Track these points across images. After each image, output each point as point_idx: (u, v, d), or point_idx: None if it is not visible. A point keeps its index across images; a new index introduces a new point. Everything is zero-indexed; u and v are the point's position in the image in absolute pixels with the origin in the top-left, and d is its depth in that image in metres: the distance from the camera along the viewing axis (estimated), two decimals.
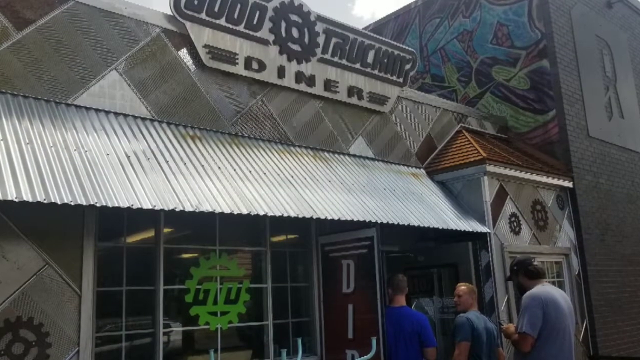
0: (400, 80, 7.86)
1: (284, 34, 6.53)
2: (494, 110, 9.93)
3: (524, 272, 4.66)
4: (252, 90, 6.28)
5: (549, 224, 8.27)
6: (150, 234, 5.28)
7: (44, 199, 3.76)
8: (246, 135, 6.13)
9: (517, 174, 7.82)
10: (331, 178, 6.28)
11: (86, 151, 4.52)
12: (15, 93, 4.67)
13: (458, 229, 6.67)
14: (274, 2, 6.43)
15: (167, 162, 4.94)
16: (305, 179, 5.94)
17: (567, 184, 8.74)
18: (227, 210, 4.66)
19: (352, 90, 7.20)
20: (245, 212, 4.78)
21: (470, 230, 6.84)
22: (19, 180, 3.82)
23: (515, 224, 7.64)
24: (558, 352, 4.33)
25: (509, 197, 7.69)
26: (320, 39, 6.90)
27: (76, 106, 4.98)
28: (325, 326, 6.12)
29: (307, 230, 6.41)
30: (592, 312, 8.51)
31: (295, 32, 6.66)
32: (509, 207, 7.65)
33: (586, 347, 8.37)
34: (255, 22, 6.26)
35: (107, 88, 5.20)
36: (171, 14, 5.71)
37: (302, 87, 6.67)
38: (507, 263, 6.96)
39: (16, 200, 3.65)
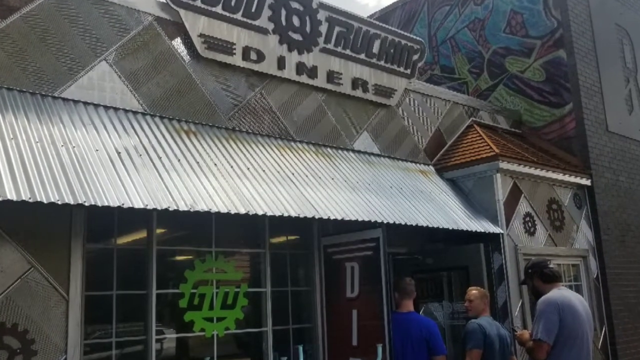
0: (408, 71, 7.83)
1: (284, 23, 6.50)
2: (507, 104, 9.90)
3: (539, 276, 4.65)
4: (250, 82, 6.26)
5: (566, 224, 8.24)
6: (142, 234, 5.27)
7: (29, 198, 3.75)
8: (244, 130, 6.11)
9: (532, 171, 7.79)
10: (334, 175, 6.26)
11: (74, 147, 4.50)
12: None
13: (469, 229, 6.65)
14: None
15: (160, 158, 4.92)
16: (306, 176, 5.92)
17: (585, 181, 8.71)
18: (223, 210, 4.64)
19: (356, 82, 7.17)
20: (243, 211, 4.76)
21: (482, 230, 6.82)
22: (2, 178, 3.81)
23: (529, 224, 7.61)
24: None
25: (523, 195, 7.67)
26: (323, 28, 6.87)
27: (63, 99, 4.96)
28: (328, 333, 6.11)
29: (309, 230, 6.39)
30: (611, 317, 8.49)
31: (296, 21, 6.63)
32: (523, 207, 7.62)
33: (605, 355, 8.35)
34: (253, 9, 6.24)
35: (97, 80, 5.18)
36: (164, 1, 5.69)
37: (304, 78, 6.65)
38: (521, 266, 6.94)
39: None
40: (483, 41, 10.37)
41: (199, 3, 5.82)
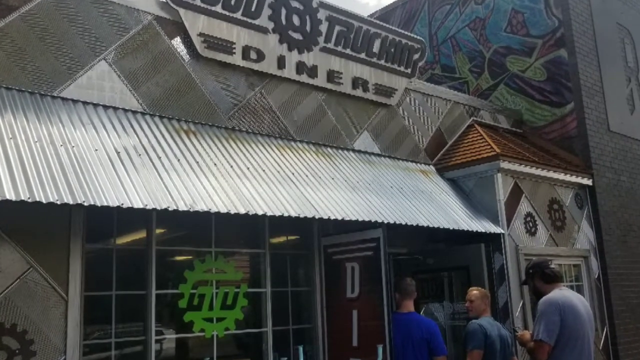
0: (408, 71, 7.83)
1: (284, 22, 6.50)
2: (508, 103, 9.90)
3: (540, 276, 4.65)
4: (250, 82, 6.26)
5: (567, 224, 8.24)
6: (141, 235, 5.27)
7: (28, 198, 3.75)
8: (244, 129, 6.11)
9: (533, 171, 7.79)
10: (334, 175, 6.26)
11: (73, 147, 4.50)
12: None
13: (470, 229, 6.65)
14: None
15: (159, 158, 4.92)
16: (306, 176, 5.92)
17: (586, 181, 8.71)
18: (223, 210, 4.64)
19: (356, 82, 7.17)
20: (242, 211, 4.76)
21: (483, 231, 6.82)
22: (1, 178, 3.81)
23: (530, 224, 7.61)
24: None
25: (524, 195, 7.66)
26: (323, 27, 6.87)
27: (62, 98, 4.96)
28: (328, 333, 6.11)
29: (309, 231, 6.39)
30: (612, 318, 8.48)
31: (296, 20, 6.63)
32: (524, 207, 7.62)
33: (606, 355, 8.34)
34: (253, 9, 6.24)
35: (96, 79, 5.18)
36: (164, 0, 5.69)
37: (304, 78, 6.65)
38: (522, 266, 6.94)
39: None
40: (484, 40, 10.37)
41: (198, 2, 5.82)
